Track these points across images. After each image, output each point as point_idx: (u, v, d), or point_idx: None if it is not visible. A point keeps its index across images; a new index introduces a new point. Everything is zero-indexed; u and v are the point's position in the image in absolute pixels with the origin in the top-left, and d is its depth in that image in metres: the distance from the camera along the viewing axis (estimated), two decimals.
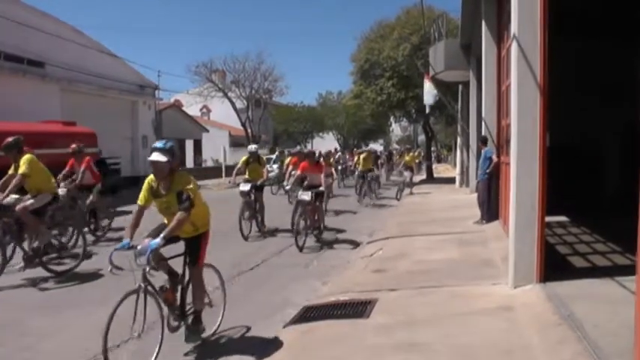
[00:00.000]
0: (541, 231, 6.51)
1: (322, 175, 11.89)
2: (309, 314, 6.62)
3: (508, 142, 8.78)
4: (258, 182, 12.63)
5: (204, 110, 55.78)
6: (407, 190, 21.93)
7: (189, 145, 44.28)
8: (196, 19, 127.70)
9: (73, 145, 12.35)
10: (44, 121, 18.96)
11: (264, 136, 51.22)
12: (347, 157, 33.82)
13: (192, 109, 48.65)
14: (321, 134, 58.77)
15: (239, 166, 13.36)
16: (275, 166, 27.60)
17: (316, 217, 11.86)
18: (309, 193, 11.17)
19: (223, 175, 33.15)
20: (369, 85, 29.90)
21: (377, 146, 61.31)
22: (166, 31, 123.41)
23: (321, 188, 11.66)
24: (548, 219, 7.37)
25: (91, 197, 12.35)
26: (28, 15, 22.16)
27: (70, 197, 12.01)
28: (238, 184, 13.06)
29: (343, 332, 5.69)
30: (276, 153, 33.19)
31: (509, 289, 6.56)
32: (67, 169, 12.30)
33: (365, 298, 6.88)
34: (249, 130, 41.76)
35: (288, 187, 13.57)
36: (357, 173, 22.33)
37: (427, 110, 23.90)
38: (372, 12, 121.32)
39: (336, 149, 40.23)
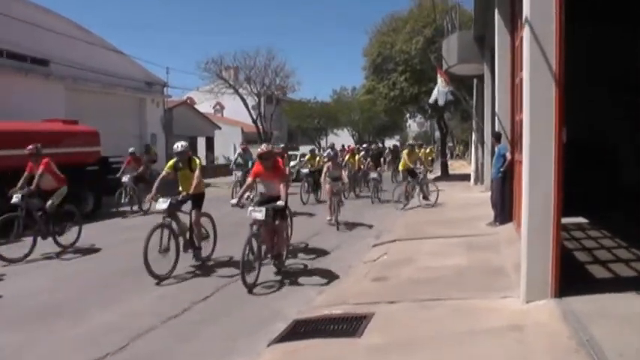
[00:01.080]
0: (556, 238, 5.78)
1: (280, 184, 8.57)
2: (299, 329, 6.01)
3: (522, 138, 8.06)
4: (180, 197, 9.18)
5: (218, 107, 55.31)
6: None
7: (201, 142, 43.69)
8: (205, 15, 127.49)
9: (30, 147, 11.12)
10: (45, 120, 18.47)
11: (277, 132, 50.55)
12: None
13: (205, 107, 48.17)
14: (335, 130, 58.03)
15: (162, 174, 9.44)
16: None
17: (275, 242, 8.81)
18: (263, 209, 8.08)
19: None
20: (381, 80, 29.21)
21: (393, 142, 60.30)
22: (174, 28, 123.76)
23: (280, 202, 8.31)
24: (564, 220, 6.64)
25: (50, 202, 10.92)
26: (32, 12, 21.77)
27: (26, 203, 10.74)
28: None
29: (330, 356, 5.04)
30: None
31: (521, 304, 5.84)
32: (26, 172, 11.13)
33: (360, 312, 6.23)
34: (260, 127, 41.11)
35: (233, 202, 8.81)
36: (359, 174, 21.73)
37: (427, 108, 22.94)
38: (385, 5, 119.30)
39: (348, 147, 34.42)
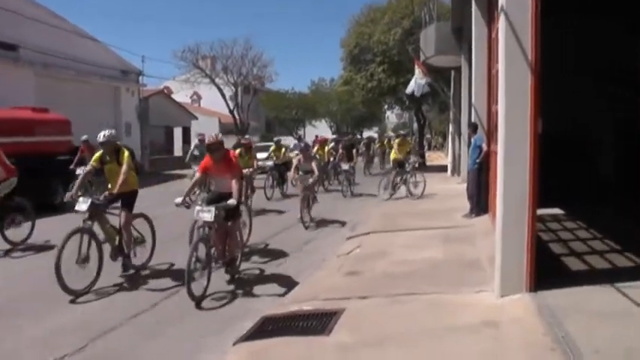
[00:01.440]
0: (532, 230, 5.65)
1: (232, 180, 7.46)
2: (267, 327, 5.78)
3: (498, 129, 7.93)
4: (104, 195, 7.95)
5: (195, 97, 54.68)
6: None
7: (177, 132, 43.12)
8: (182, 3, 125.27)
9: None
10: (13, 107, 17.95)
11: (254, 123, 50.14)
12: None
13: (182, 96, 47.57)
14: (313, 122, 57.77)
15: (87, 168, 8.42)
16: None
17: (227, 245, 7.80)
18: (212, 209, 7.07)
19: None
20: (359, 71, 29.12)
21: (371, 134, 60.16)
22: (150, 16, 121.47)
23: (232, 201, 7.22)
24: (540, 212, 6.52)
25: None
26: None
27: None
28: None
29: (297, 354, 4.86)
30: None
31: (496, 299, 5.70)
32: None
33: (330, 307, 6.03)
34: (237, 118, 40.69)
35: (178, 201, 7.56)
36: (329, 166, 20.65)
37: (405, 99, 22.48)
38: None
39: (315, 137, 29.05)
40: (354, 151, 19.89)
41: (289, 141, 32.09)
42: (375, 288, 6.74)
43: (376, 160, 32.40)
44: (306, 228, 12.12)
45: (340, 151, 20.80)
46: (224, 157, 7.73)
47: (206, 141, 7.93)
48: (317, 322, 5.63)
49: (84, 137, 16.23)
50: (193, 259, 6.71)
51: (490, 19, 11.07)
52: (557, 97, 9.14)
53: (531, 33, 5.42)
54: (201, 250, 7.00)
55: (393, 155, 17.17)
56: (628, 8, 10.07)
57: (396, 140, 17.95)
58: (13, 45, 22.15)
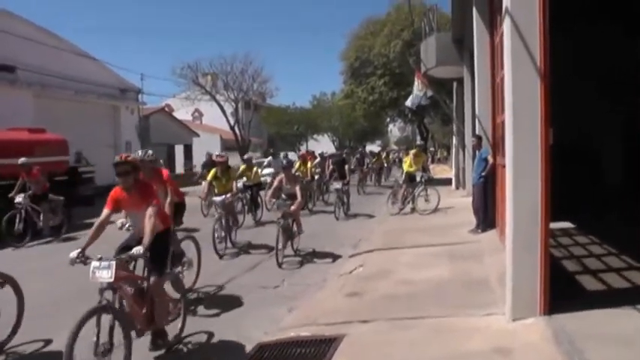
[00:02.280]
0: (545, 248, 5.24)
1: (148, 211, 5.36)
2: (262, 354, 5.41)
3: (504, 140, 7.53)
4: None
5: (196, 114, 54.54)
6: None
7: (178, 150, 42.95)
8: (180, 20, 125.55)
9: None
10: (9, 128, 17.67)
11: (256, 139, 49.90)
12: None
13: (183, 114, 47.41)
14: (315, 136, 57.49)
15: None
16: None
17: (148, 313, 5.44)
18: (112, 263, 4.81)
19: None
20: (359, 85, 28.91)
21: (374, 148, 59.79)
22: (148, 33, 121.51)
23: (137, 249, 5.09)
24: (550, 226, 6.09)
25: None
26: None
27: None
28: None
29: None
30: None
31: (507, 322, 5.28)
32: None
33: (330, 333, 5.65)
34: (238, 134, 40.46)
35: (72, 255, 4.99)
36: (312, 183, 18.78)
37: (407, 112, 21.65)
38: (363, 8, 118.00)
39: (311, 153, 27.67)
40: (346, 167, 17.31)
41: (292, 157, 29.48)
42: (378, 311, 6.33)
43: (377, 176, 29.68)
44: (280, 266, 9.51)
45: (330, 167, 18.42)
46: (137, 185, 5.62)
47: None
48: (315, 350, 5.29)
49: (21, 160, 13.30)
50: (71, 343, 4.37)
51: (492, 24, 10.72)
52: (560, 103, 8.76)
53: (539, 34, 5.05)
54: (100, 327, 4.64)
55: (406, 168, 16.45)
56: (628, 11, 9.75)
57: (412, 152, 17.24)
58: (10, 66, 21.97)
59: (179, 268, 7.18)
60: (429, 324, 5.67)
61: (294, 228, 10.41)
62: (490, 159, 10.81)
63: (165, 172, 8.11)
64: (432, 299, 6.59)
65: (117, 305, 4.91)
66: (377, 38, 27.69)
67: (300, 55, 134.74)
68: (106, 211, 5.48)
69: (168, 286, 5.94)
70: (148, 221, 5.28)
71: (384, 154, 32.66)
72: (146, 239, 5.15)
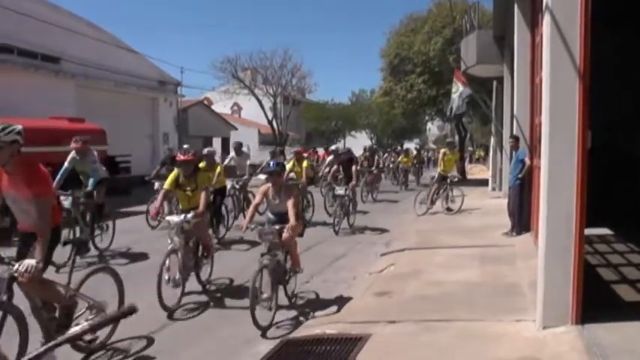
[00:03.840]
0: (579, 255, 5.07)
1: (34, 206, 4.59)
2: (286, 351, 5.39)
3: (541, 142, 7.33)
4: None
5: (235, 108, 54.94)
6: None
7: (216, 143, 43.31)
8: (219, 13, 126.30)
9: None
10: (51, 117, 18.09)
11: (294, 134, 49.99)
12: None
13: (221, 107, 47.82)
14: (353, 133, 57.30)
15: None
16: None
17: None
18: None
19: (246, 173, 31.90)
20: (398, 82, 28.62)
21: (411, 146, 59.38)
22: (189, 27, 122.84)
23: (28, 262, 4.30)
24: (586, 232, 5.88)
25: None
26: (42, 9, 21.34)
27: None
28: None
29: None
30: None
31: (537, 330, 5.12)
32: None
33: (356, 333, 5.58)
34: (276, 129, 40.62)
35: None
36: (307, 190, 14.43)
37: (446, 111, 20.52)
38: (404, 5, 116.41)
39: (314, 149, 27.19)
40: (354, 168, 13.56)
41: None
42: (406, 312, 6.24)
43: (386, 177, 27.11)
44: (265, 332, 6.03)
45: (334, 167, 14.82)
46: (19, 163, 4.62)
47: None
48: (340, 348, 5.22)
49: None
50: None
51: (533, 22, 10.48)
52: (601, 104, 8.49)
53: (580, 32, 4.87)
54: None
55: (440, 167, 15.85)
56: None
57: (442, 150, 16.73)
58: (55, 57, 22.49)
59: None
60: (457, 327, 5.55)
61: (287, 265, 6.94)
62: (527, 161, 10.56)
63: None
64: (461, 302, 6.46)
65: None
66: (417, 35, 27.37)
67: (340, 51, 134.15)
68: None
69: None
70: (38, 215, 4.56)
71: (413, 153, 30.27)
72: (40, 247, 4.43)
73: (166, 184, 7.82)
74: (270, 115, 40.46)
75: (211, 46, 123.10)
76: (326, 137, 54.57)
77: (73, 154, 9.94)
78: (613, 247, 9.01)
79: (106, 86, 25.35)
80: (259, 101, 40.17)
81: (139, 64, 28.26)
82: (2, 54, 20.17)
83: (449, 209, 15.05)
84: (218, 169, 11.47)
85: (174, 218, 7.25)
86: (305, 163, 14.26)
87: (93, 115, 19.98)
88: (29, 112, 17.67)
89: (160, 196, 8.20)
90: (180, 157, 7.71)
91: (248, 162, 14.25)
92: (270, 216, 7.13)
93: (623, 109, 10.74)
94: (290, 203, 6.65)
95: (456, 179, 15.91)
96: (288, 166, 12.98)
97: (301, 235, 7.14)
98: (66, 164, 10.00)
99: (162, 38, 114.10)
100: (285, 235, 6.51)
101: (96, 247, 9.89)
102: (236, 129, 44.66)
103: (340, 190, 12.97)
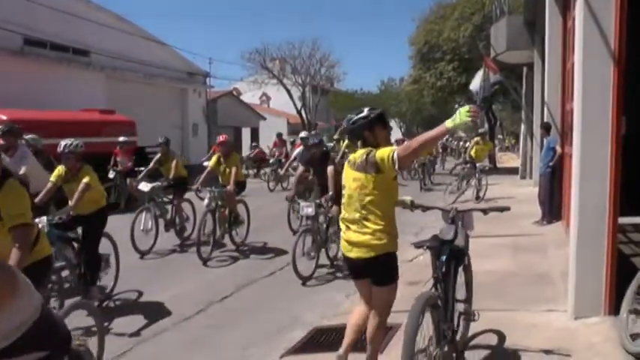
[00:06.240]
0: (612, 244, 4.97)
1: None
2: (317, 338, 5.48)
3: (572, 129, 7.20)
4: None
5: (264, 98, 55.11)
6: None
7: (245, 133, 43.52)
8: (248, 4, 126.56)
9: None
10: (82, 109, 18.38)
11: (323, 123, 49.93)
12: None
13: (250, 97, 47.98)
14: None
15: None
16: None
17: None
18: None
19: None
20: (428, 70, 28.40)
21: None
22: (217, 18, 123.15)
23: None
24: (620, 220, 5.74)
25: None
26: (72, 3, 21.64)
27: None
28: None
29: None
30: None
31: (568, 320, 5.05)
32: None
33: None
34: (305, 118, 40.67)
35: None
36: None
37: (476, 99, 19.96)
38: None
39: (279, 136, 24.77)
40: (329, 168, 8.10)
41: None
42: None
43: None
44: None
45: (299, 168, 9.84)
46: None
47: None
48: None
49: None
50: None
51: (565, 6, 10.26)
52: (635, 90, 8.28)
53: (615, 14, 4.73)
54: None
55: (474, 154, 16.04)
56: None
57: (474, 140, 16.95)
58: (85, 50, 22.80)
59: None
60: (487, 317, 5.46)
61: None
62: (558, 148, 10.39)
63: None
64: (492, 291, 6.38)
65: None
66: (447, 22, 27.07)
67: (369, 40, 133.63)
68: None
69: None
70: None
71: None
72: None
73: (211, 164, 9.84)
74: (298, 104, 40.48)
75: (239, 36, 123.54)
76: None
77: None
78: None
79: (135, 78, 25.67)
80: (288, 91, 40.22)
81: (167, 56, 28.52)
82: (37, 48, 20.57)
83: (478, 197, 14.93)
84: (175, 159, 10.74)
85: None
86: (234, 158, 9.86)
87: (122, 107, 20.28)
88: (62, 104, 18.17)
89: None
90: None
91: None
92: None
93: None
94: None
95: (487, 168, 15.78)
96: (210, 164, 10.09)
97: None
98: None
99: (190, 30, 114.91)
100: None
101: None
102: (264, 119, 44.82)
103: (307, 209, 8.00)
